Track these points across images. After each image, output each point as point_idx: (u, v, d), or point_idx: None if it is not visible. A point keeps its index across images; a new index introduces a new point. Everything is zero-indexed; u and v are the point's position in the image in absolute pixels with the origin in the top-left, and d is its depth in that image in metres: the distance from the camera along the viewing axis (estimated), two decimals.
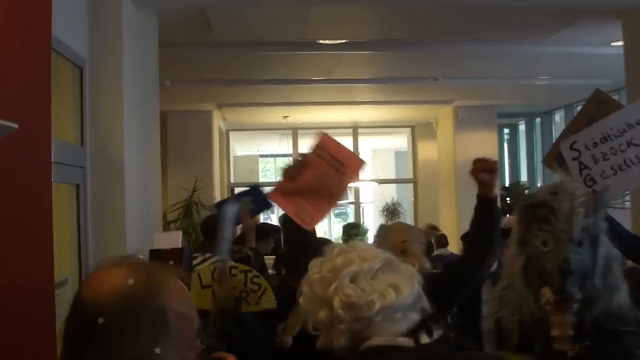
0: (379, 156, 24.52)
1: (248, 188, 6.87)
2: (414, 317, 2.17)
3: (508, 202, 15.93)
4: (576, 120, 5.71)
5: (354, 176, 3.81)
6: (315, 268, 2.26)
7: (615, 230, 4.19)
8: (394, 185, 20.81)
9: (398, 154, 23.73)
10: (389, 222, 18.14)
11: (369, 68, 11.25)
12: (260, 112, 15.23)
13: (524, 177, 18.44)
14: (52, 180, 4.67)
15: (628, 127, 5.16)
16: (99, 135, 5.61)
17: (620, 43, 9.04)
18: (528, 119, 18.21)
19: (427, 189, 17.99)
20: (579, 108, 14.78)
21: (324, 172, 3.72)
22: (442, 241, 11.48)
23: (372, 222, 19.21)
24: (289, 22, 8.02)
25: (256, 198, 6.63)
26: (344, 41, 9.13)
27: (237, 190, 18.86)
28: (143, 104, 6.58)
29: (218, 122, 15.39)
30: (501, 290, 2.86)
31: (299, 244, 3.69)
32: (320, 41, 9.01)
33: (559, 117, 16.83)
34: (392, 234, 3.89)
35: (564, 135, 5.57)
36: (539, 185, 17.34)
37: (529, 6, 7.39)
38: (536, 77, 12.21)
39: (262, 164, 24.06)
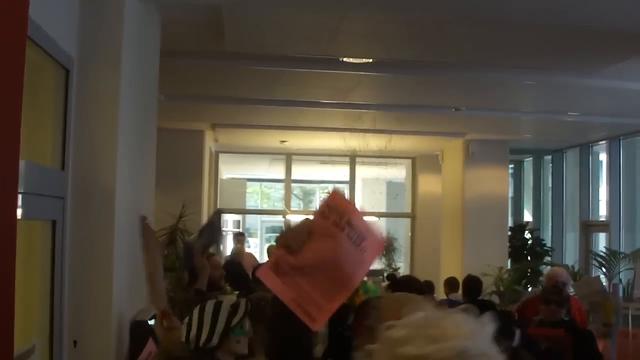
0: (370, 186, 23.39)
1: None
2: None
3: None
4: None
5: (376, 256, 2.95)
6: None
7: None
8: (383, 219, 19.58)
9: (391, 185, 22.70)
10: (384, 264, 17.30)
11: (390, 93, 10.15)
12: (256, 134, 14.19)
13: (527, 217, 17.60)
14: (19, 217, 3.48)
15: None
16: (86, 157, 4.34)
17: None
18: (536, 156, 17.32)
19: (427, 225, 16.94)
20: (595, 148, 14.20)
21: (338, 245, 2.73)
22: (454, 284, 10.46)
23: None
24: (311, 33, 6.83)
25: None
26: (369, 60, 7.97)
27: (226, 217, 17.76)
28: (140, 120, 5.34)
29: (209, 143, 14.24)
30: None
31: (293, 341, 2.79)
32: (345, 59, 7.83)
33: (571, 156, 15.95)
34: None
35: None
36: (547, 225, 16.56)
37: (596, 30, 6.24)
38: (565, 112, 11.10)
39: (250, 188, 22.90)
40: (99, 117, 4.41)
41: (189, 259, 5.30)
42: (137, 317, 5.03)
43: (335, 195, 2.92)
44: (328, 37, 6.75)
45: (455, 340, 1.53)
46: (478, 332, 1.58)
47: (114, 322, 4.43)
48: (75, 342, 4.18)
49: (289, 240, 2.79)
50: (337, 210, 2.79)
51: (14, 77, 2.52)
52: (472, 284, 8.90)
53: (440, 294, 10.94)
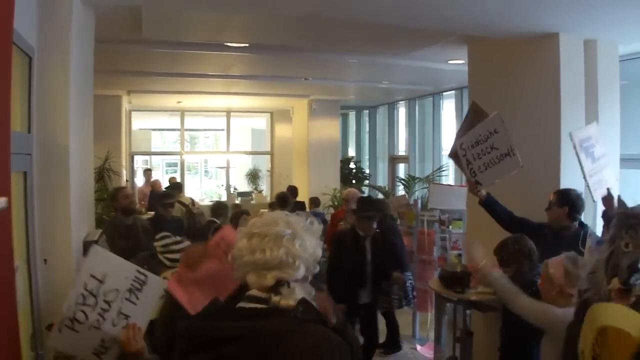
0: (239, 132, 23.11)
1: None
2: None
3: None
4: (463, 124, 5.38)
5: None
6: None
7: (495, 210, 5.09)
8: (251, 155, 19.46)
9: (254, 132, 22.47)
10: (252, 187, 17.22)
11: (260, 67, 9.89)
12: (160, 97, 13.70)
13: (351, 153, 17.82)
14: None
15: (489, 134, 5.00)
16: (46, 123, 4.06)
17: (456, 61, 8.42)
18: (357, 111, 17.53)
19: (282, 160, 16.92)
20: (399, 105, 14.49)
21: (223, 266, 2.66)
22: (316, 202, 11.33)
23: (239, 184, 18.04)
24: (205, 26, 6.58)
25: None
26: (246, 44, 7.80)
27: (137, 158, 17.12)
28: (82, 91, 5.04)
29: (125, 104, 13.62)
30: (589, 273, 2.47)
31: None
32: (228, 44, 7.62)
33: (382, 111, 16.21)
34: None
35: (458, 136, 5.30)
36: (367, 159, 16.85)
37: (388, 24, 6.10)
38: (380, 81, 11.28)
39: (155, 136, 22.17)
40: (55, 92, 4.13)
41: None
42: (87, 238, 4.83)
43: (228, 231, 2.80)
44: (216, 28, 6.53)
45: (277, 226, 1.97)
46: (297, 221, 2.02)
47: (73, 243, 4.24)
48: (45, 260, 3.97)
49: (189, 260, 2.74)
50: (228, 243, 2.69)
51: (3, 71, 2.31)
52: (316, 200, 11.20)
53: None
